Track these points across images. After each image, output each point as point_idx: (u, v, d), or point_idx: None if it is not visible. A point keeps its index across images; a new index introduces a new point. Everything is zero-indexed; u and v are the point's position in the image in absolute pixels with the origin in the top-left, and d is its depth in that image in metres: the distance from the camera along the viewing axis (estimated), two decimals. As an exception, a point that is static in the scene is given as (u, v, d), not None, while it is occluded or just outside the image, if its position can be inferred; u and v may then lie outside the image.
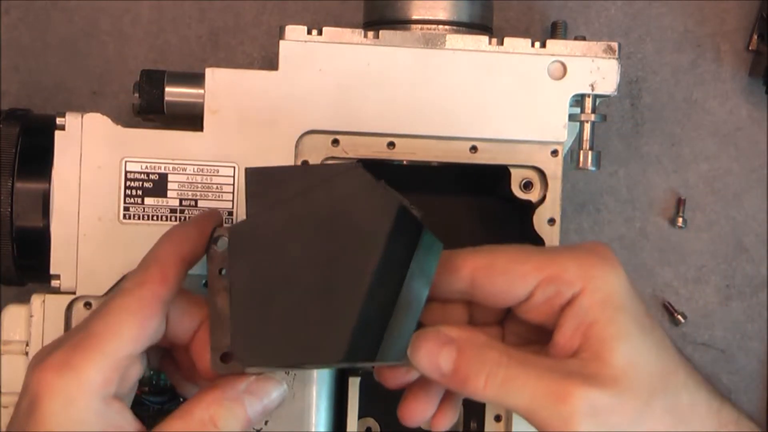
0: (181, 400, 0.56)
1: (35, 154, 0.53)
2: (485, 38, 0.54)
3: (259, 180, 0.44)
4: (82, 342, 0.44)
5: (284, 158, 0.53)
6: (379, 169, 0.55)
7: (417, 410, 0.48)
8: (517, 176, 0.55)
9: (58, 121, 0.53)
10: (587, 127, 0.55)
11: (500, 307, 0.47)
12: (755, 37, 0.66)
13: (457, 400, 0.49)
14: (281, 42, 0.54)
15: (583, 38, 0.55)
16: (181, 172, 0.54)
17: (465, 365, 0.43)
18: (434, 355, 0.44)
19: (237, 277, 0.43)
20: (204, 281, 0.53)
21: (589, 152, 0.55)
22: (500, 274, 0.45)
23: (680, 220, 0.67)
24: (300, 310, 0.42)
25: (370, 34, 0.54)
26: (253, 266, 0.43)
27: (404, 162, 0.55)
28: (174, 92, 0.55)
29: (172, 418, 0.45)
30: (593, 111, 0.55)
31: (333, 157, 0.54)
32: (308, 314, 0.42)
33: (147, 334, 0.45)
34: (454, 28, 0.55)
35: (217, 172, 0.54)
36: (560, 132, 0.54)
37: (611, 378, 0.42)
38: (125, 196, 0.53)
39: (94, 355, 0.43)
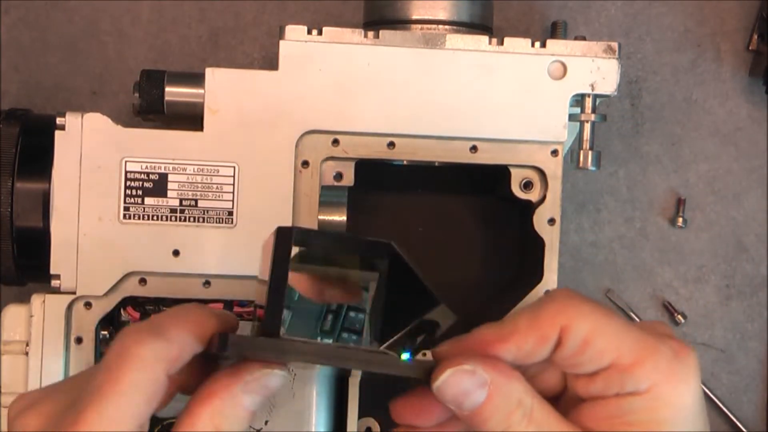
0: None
1: (35, 154, 0.53)
2: (485, 38, 0.54)
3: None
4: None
5: (284, 158, 0.53)
6: (379, 169, 0.56)
7: (417, 415, 0.45)
8: (517, 176, 0.55)
9: (58, 121, 0.53)
10: (587, 127, 0.55)
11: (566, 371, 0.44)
12: (755, 37, 0.66)
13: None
14: (281, 42, 0.54)
15: (583, 38, 0.55)
16: (181, 172, 0.54)
17: (487, 413, 0.42)
18: (463, 394, 0.42)
19: None
20: (204, 280, 0.53)
21: (589, 152, 0.55)
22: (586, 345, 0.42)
23: (680, 220, 0.67)
24: None
25: (370, 34, 0.54)
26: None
27: (404, 162, 0.55)
28: (174, 92, 0.55)
29: None
30: (593, 111, 0.55)
31: (333, 157, 0.54)
32: None
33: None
34: (454, 28, 0.55)
35: (217, 172, 0.54)
36: (560, 132, 0.54)
37: None
38: (125, 196, 0.53)
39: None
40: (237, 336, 0.41)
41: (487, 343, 0.42)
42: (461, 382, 0.41)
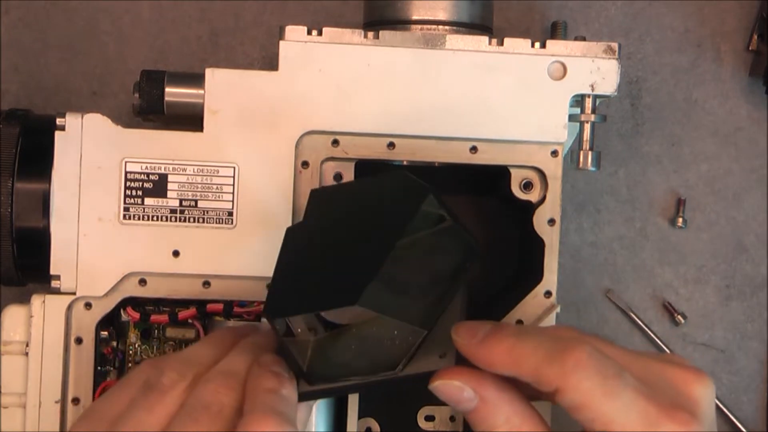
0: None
1: (35, 154, 0.53)
2: (485, 38, 0.54)
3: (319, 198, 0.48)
4: None
5: (284, 158, 0.53)
6: (379, 169, 0.55)
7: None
8: (517, 176, 0.55)
9: (58, 121, 0.53)
10: (587, 127, 0.55)
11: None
12: (755, 37, 0.66)
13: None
14: (281, 42, 0.54)
15: (583, 38, 0.55)
16: (181, 172, 0.54)
17: (475, 422, 0.45)
18: (454, 401, 0.45)
19: (283, 254, 0.46)
20: (204, 280, 0.54)
21: (589, 152, 0.55)
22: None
23: (680, 220, 0.67)
24: (329, 271, 0.45)
25: (370, 34, 0.54)
26: (298, 243, 0.47)
27: (404, 162, 0.55)
28: (174, 92, 0.55)
29: None
30: (593, 111, 0.55)
31: (333, 158, 0.54)
32: (336, 273, 0.44)
33: None
34: (454, 28, 0.55)
35: (217, 172, 0.54)
36: (560, 132, 0.54)
37: None
38: (125, 196, 0.53)
39: None
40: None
41: (496, 358, 0.45)
42: (450, 393, 0.45)
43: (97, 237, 0.53)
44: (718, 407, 0.67)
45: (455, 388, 0.45)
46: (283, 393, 0.44)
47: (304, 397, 0.45)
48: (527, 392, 0.45)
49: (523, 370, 0.44)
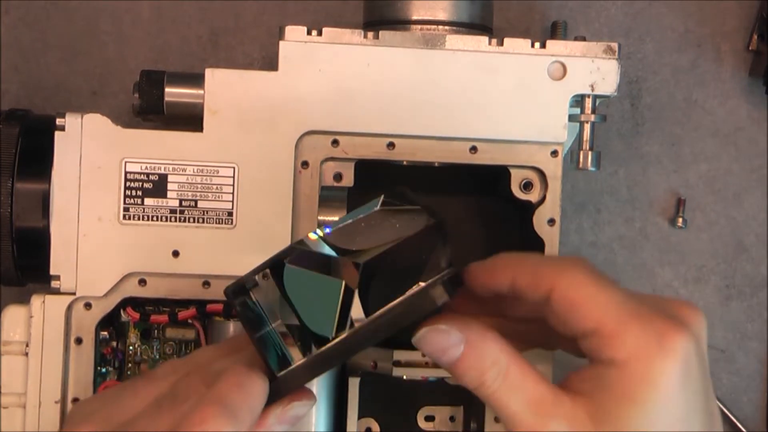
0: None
1: (35, 154, 0.53)
2: (485, 38, 0.54)
3: None
4: None
5: (284, 158, 0.53)
6: (379, 169, 0.56)
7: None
8: (516, 176, 0.55)
9: (58, 121, 0.53)
10: (587, 127, 0.55)
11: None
12: (755, 37, 0.66)
13: None
14: (281, 42, 0.54)
15: (583, 38, 0.55)
16: (180, 172, 0.54)
17: (462, 369, 0.44)
18: (441, 350, 0.44)
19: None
20: (204, 280, 0.54)
21: (589, 152, 0.55)
22: (569, 304, 0.43)
23: (680, 220, 0.67)
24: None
25: (370, 34, 0.54)
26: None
27: (404, 162, 0.55)
28: (174, 92, 0.55)
29: None
30: (593, 111, 0.55)
31: (333, 158, 0.54)
32: None
33: None
34: (454, 28, 0.55)
35: (217, 172, 0.54)
36: (560, 132, 0.54)
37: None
38: (125, 196, 0.54)
39: None
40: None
41: (498, 266, 0.45)
42: (437, 340, 0.44)
43: (97, 237, 0.53)
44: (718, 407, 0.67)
45: (441, 332, 0.44)
46: (244, 386, 0.43)
47: (274, 391, 0.44)
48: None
49: (523, 270, 0.44)
